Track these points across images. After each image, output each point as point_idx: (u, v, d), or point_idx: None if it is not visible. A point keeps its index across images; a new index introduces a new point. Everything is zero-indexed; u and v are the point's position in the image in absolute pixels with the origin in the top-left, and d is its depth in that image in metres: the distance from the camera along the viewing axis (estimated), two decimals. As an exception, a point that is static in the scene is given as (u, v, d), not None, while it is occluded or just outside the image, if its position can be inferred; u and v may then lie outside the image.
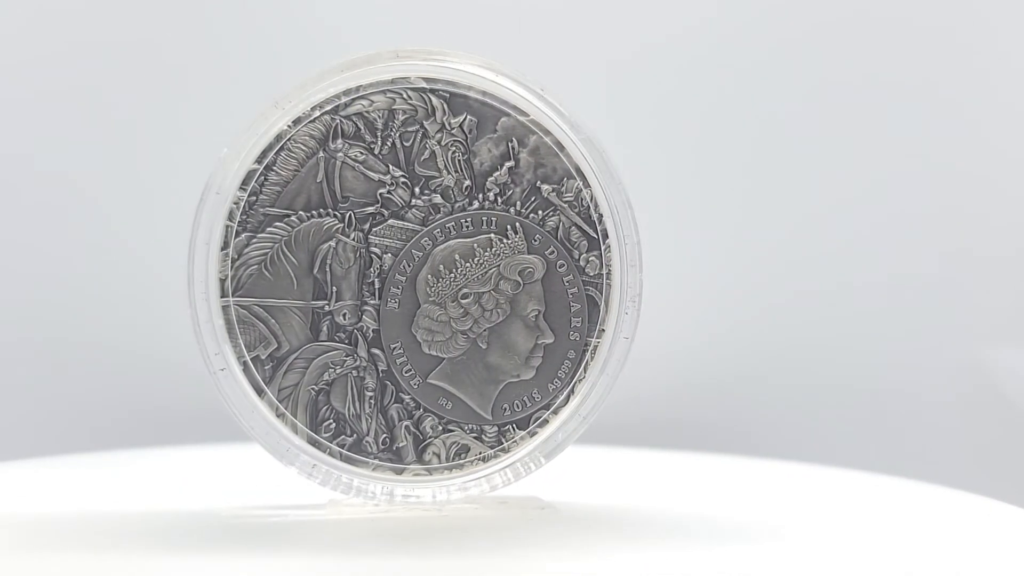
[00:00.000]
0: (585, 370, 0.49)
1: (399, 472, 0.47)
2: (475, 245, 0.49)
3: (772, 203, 0.75)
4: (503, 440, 0.49)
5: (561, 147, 0.50)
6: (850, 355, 0.75)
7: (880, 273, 0.74)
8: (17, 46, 0.73)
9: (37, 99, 0.73)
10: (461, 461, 0.48)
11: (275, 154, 0.47)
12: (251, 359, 0.46)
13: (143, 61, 0.73)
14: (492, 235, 0.49)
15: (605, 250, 0.50)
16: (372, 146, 0.47)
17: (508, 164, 0.49)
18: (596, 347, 0.50)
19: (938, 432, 0.74)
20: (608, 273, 0.50)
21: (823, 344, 0.75)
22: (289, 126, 0.47)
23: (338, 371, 0.47)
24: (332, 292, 0.47)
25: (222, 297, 0.47)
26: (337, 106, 0.47)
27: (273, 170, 0.46)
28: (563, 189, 0.49)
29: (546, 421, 0.49)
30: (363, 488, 0.47)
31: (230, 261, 0.47)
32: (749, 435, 0.74)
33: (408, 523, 0.47)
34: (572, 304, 0.49)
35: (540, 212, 0.49)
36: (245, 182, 0.47)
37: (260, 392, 0.46)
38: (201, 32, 0.73)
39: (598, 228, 0.50)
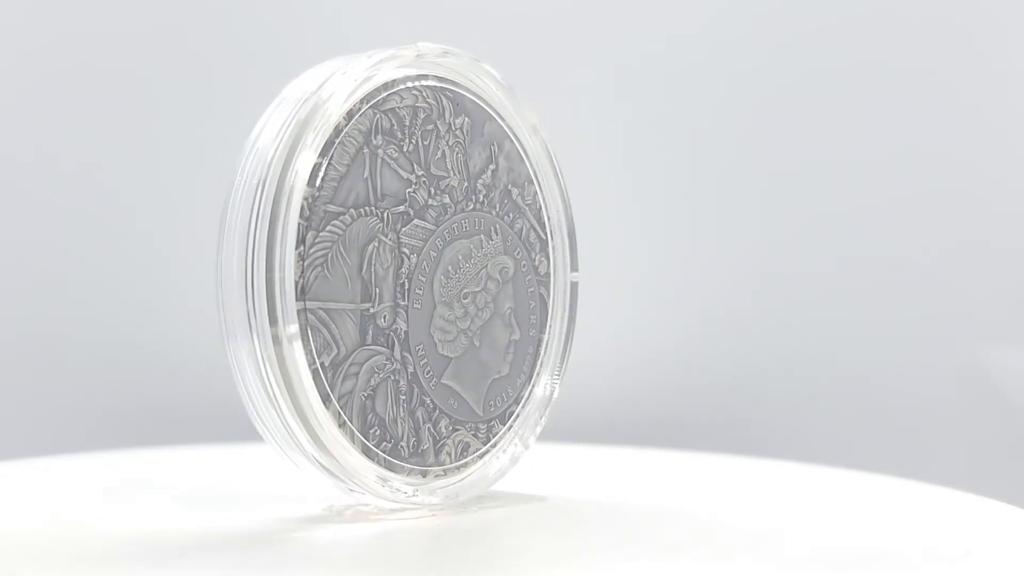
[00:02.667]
0: (541, 365, 0.51)
1: (424, 475, 0.47)
2: (471, 246, 0.49)
3: (771, 202, 0.75)
4: (491, 436, 0.50)
5: (525, 152, 0.51)
6: (850, 355, 0.75)
7: (880, 273, 0.74)
8: (17, 44, 0.73)
9: (42, 97, 0.73)
10: (465, 459, 0.49)
11: (334, 149, 0.45)
12: (319, 365, 0.44)
13: (161, 53, 0.73)
14: (482, 236, 0.50)
15: (552, 251, 0.52)
16: (401, 143, 0.47)
17: (491, 167, 0.50)
18: (547, 343, 0.51)
19: (938, 432, 0.74)
20: (554, 272, 0.52)
21: (823, 344, 0.75)
22: (344, 119, 0.45)
23: (380, 375, 0.46)
24: (376, 294, 0.46)
25: (297, 300, 0.44)
26: (378, 101, 0.46)
27: (332, 165, 0.45)
28: (524, 193, 0.51)
29: (517, 415, 0.50)
30: (394, 493, 0.46)
31: (302, 262, 0.44)
32: (748, 435, 0.74)
33: (427, 526, 0.47)
34: (530, 302, 0.51)
35: (511, 215, 0.50)
36: (311, 176, 0.44)
37: (327, 401, 0.44)
38: (216, 26, 0.73)
39: (547, 230, 0.52)
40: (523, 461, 0.51)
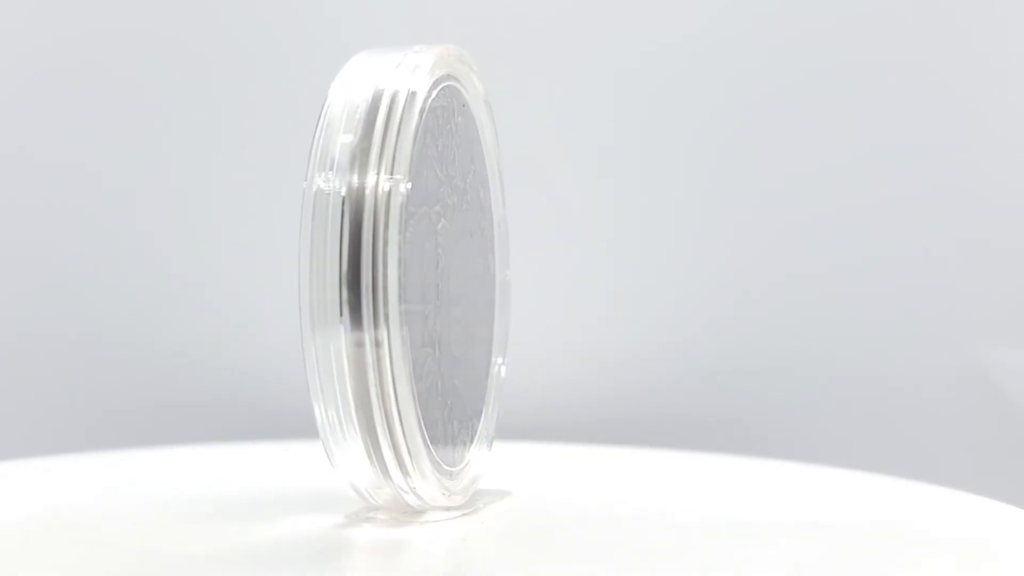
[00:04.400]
0: (492, 355, 0.52)
1: (451, 477, 0.47)
2: (466, 246, 0.49)
3: (771, 202, 0.75)
4: (473, 430, 0.50)
5: (482, 154, 0.51)
6: (850, 355, 0.75)
7: (879, 273, 0.74)
8: (17, 44, 0.73)
9: (42, 97, 0.73)
10: (466, 458, 0.49)
11: (414, 147, 0.44)
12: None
13: (161, 53, 0.73)
14: (469, 236, 0.50)
15: (496, 248, 0.52)
16: (436, 142, 0.47)
17: (473, 167, 0.50)
18: (496, 335, 0.52)
19: (938, 432, 0.74)
20: (497, 270, 0.53)
21: (823, 344, 0.75)
22: (420, 112, 0.45)
23: (431, 379, 0.46)
24: (429, 294, 0.45)
25: (401, 303, 0.43)
26: (433, 98, 0.46)
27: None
28: (485, 192, 0.51)
29: (481, 410, 0.51)
30: (450, 498, 0.46)
31: (398, 263, 0.43)
32: (748, 435, 0.74)
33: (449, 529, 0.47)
34: (489, 298, 0.52)
35: (480, 214, 0.51)
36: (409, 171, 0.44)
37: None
38: (216, 25, 0.73)
39: (494, 228, 0.52)
40: (502, 452, 0.52)
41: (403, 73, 0.45)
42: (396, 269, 0.43)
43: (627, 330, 0.74)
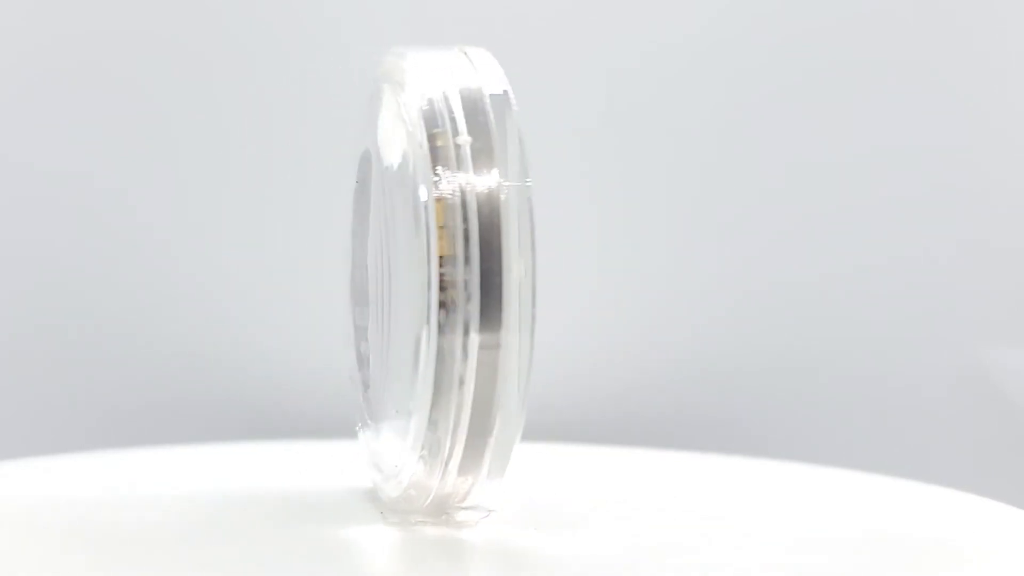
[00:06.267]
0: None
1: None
2: None
3: (770, 202, 0.74)
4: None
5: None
6: (850, 355, 0.75)
7: (879, 273, 0.74)
8: (18, 43, 0.73)
9: (41, 97, 0.73)
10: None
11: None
12: None
13: (161, 53, 0.73)
14: None
15: None
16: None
17: None
18: None
19: (938, 432, 0.74)
20: None
21: (823, 344, 0.75)
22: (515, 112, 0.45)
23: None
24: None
25: (533, 307, 0.43)
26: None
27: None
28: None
29: None
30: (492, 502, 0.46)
31: (532, 266, 0.43)
32: (748, 435, 0.74)
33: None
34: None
35: None
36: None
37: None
38: (217, 25, 0.73)
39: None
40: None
41: (482, 71, 0.45)
42: (532, 272, 0.43)
43: (625, 329, 0.74)
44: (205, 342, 0.74)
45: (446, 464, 0.44)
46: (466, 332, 0.42)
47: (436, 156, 0.43)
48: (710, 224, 0.75)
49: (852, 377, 0.74)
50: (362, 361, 0.50)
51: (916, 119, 0.74)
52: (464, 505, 0.45)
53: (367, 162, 0.49)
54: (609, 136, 0.74)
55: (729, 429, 0.74)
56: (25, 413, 0.74)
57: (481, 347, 0.42)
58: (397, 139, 0.45)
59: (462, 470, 0.44)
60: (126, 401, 0.74)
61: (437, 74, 0.45)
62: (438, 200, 0.43)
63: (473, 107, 0.44)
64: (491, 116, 0.44)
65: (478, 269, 0.42)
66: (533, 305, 0.43)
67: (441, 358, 0.42)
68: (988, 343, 0.74)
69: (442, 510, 0.45)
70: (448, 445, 0.43)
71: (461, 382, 0.42)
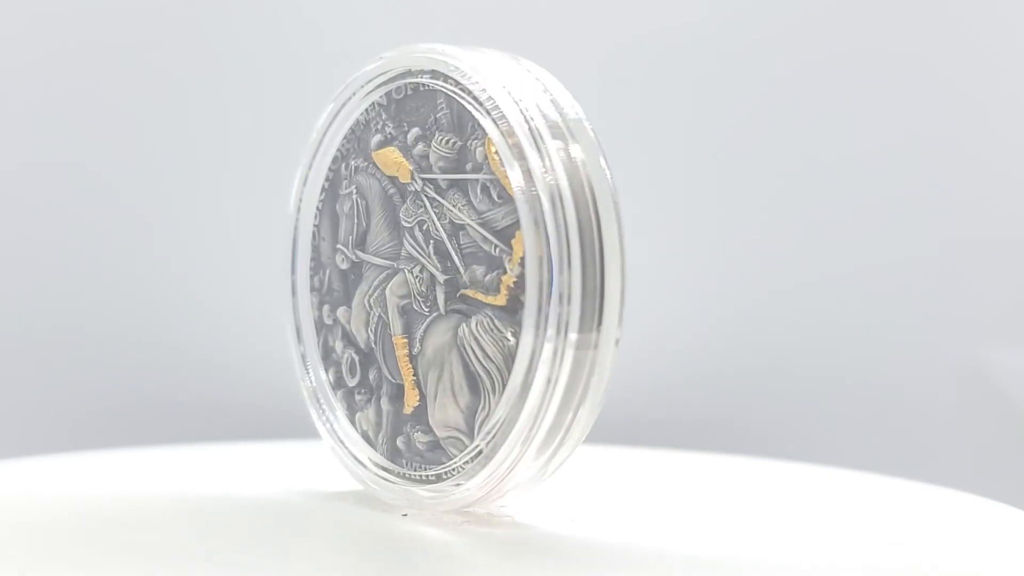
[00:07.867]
0: None
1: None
2: None
3: (769, 202, 0.75)
4: None
5: None
6: (849, 355, 0.75)
7: (879, 273, 0.74)
8: (24, 46, 0.73)
9: (42, 96, 0.73)
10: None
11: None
12: None
13: (165, 54, 0.73)
14: None
15: None
16: None
17: None
18: None
19: (938, 432, 0.74)
20: None
21: (823, 344, 0.75)
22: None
23: None
24: None
25: (622, 307, 0.45)
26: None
27: None
28: None
29: None
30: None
31: (622, 268, 0.45)
32: (748, 435, 0.74)
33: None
34: None
35: None
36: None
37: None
38: (222, 26, 0.74)
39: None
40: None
41: (546, 78, 0.46)
42: (620, 273, 0.44)
43: (626, 330, 0.74)
44: (205, 342, 0.74)
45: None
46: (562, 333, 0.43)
47: (538, 157, 0.44)
48: (708, 225, 0.75)
49: (852, 377, 0.74)
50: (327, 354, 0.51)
51: (917, 120, 0.74)
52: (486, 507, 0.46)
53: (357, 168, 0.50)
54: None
55: (730, 429, 0.74)
56: (24, 413, 0.74)
57: (583, 347, 0.43)
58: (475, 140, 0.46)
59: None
60: (127, 401, 0.74)
61: (514, 81, 0.45)
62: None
63: (556, 111, 0.45)
64: (567, 123, 0.45)
65: (579, 268, 0.43)
66: (621, 305, 0.44)
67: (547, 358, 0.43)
68: (988, 343, 0.74)
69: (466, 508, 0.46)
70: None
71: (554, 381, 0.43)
